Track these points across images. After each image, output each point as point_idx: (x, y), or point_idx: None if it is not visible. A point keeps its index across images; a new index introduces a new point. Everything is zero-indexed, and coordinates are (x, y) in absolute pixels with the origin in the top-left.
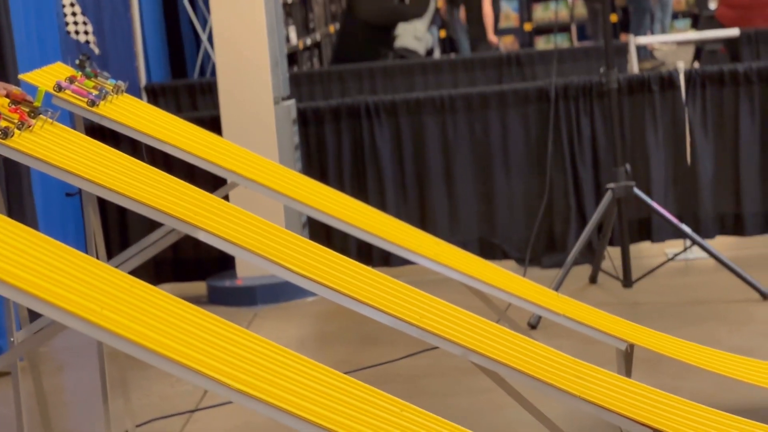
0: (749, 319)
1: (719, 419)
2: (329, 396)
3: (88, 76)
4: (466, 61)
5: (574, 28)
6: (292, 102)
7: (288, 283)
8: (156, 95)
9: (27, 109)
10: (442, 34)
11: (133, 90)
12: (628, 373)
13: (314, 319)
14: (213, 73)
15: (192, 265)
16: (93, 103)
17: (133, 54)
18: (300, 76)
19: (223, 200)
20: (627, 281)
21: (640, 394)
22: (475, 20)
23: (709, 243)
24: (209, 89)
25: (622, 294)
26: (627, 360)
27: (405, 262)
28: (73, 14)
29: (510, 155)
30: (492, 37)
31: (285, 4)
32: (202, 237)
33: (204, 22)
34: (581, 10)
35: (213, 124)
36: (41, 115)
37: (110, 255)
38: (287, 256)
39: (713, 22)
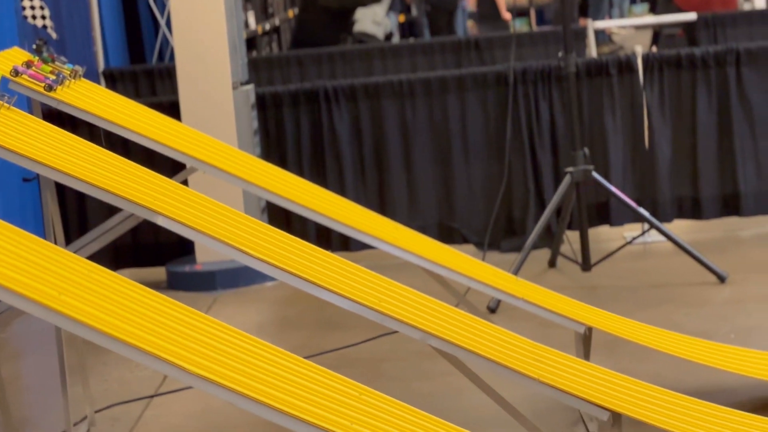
0: (706, 302)
1: (677, 401)
2: (289, 380)
3: (45, 61)
4: (425, 45)
5: (533, 13)
6: (250, 87)
7: (247, 268)
8: (114, 80)
9: None
10: (401, 18)
11: (91, 75)
12: (586, 356)
13: (274, 303)
14: (171, 58)
15: (151, 251)
16: (50, 88)
17: (91, 39)
18: (259, 61)
19: (182, 185)
20: (585, 265)
21: (599, 377)
22: None
23: (667, 227)
24: (168, 74)
25: (581, 278)
26: (585, 343)
27: (364, 246)
28: None
29: (469, 139)
30: (506, 14)
31: None
32: (161, 222)
33: (162, 6)
34: None
35: (172, 109)
36: None
37: (69, 240)
38: (246, 240)
39: (671, 6)
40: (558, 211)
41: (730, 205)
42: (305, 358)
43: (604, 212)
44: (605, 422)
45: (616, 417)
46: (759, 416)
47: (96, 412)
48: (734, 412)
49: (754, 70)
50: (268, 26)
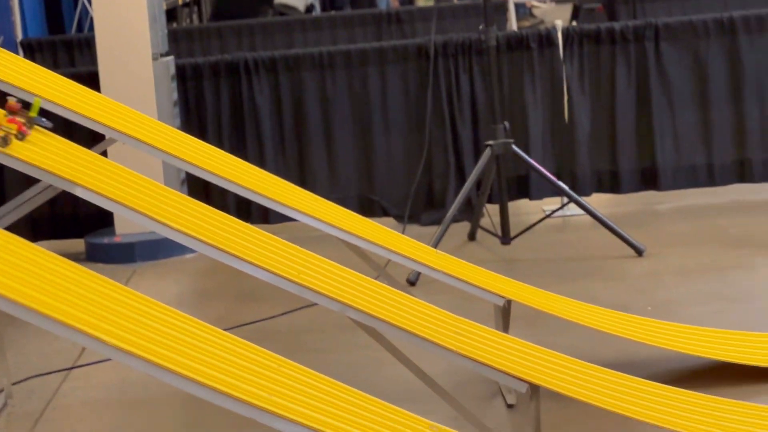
0: (625, 275)
1: (594, 373)
2: (208, 352)
3: None
4: (345, 17)
5: None
6: (170, 58)
7: (167, 240)
8: (33, 51)
9: (23, 120)
10: None
11: (9, 45)
12: (505, 328)
13: (193, 275)
14: (91, 28)
15: (70, 222)
16: None
17: (9, 8)
18: (179, 32)
19: (101, 156)
20: (505, 238)
21: (518, 349)
22: None
23: (585, 200)
24: (87, 45)
25: (501, 251)
26: (504, 316)
27: (284, 218)
28: None
29: (389, 112)
30: None
31: None
32: (79, 193)
33: None
34: None
35: (91, 80)
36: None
37: None
38: (166, 212)
39: None
40: (478, 185)
41: (648, 179)
42: (224, 330)
43: (524, 185)
44: (523, 394)
45: (534, 389)
46: (673, 387)
47: (13, 384)
48: (649, 383)
49: (672, 45)
50: None
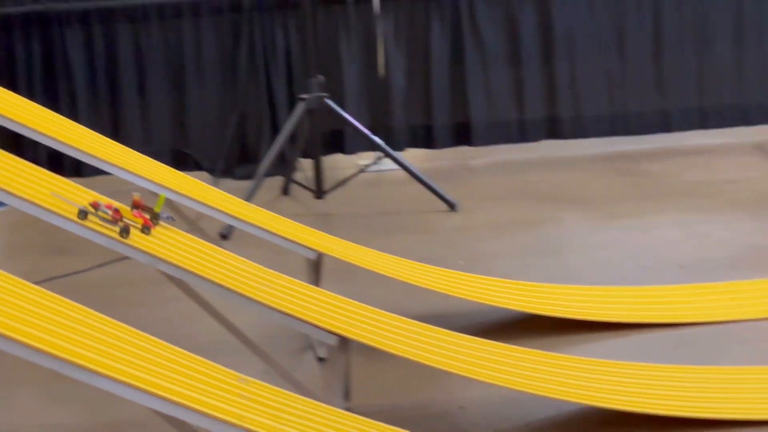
0: (437, 230)
1: (404, 326)
2: (14, 305)
3: None
4: None
5: None
6: None
7: None
8: None
9: (149, 215)
10: None
11: None
12: (317, 282)
13: (2, 230)
14: None
15: None
16: None
17: None
18: None
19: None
20: (319, 193)
21: (328, 302)
22: None
23: (400, 155)
24: None
25: (314, 205)
26: (316, 269)
27: (97, 171)
28: None
29: (203, 66)
30: None
31: None
32: None
33: None
34: None
35: None
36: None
37: None
38: None
39: None
40: (292, 139)
41: (462, 135)
42: (33, 284)
43: (339, 140)
44: (334, 347)
45: (344, 341)
46: (482, 339)
47: None
48: (459, 335)
49: (485, 2)
50: None
